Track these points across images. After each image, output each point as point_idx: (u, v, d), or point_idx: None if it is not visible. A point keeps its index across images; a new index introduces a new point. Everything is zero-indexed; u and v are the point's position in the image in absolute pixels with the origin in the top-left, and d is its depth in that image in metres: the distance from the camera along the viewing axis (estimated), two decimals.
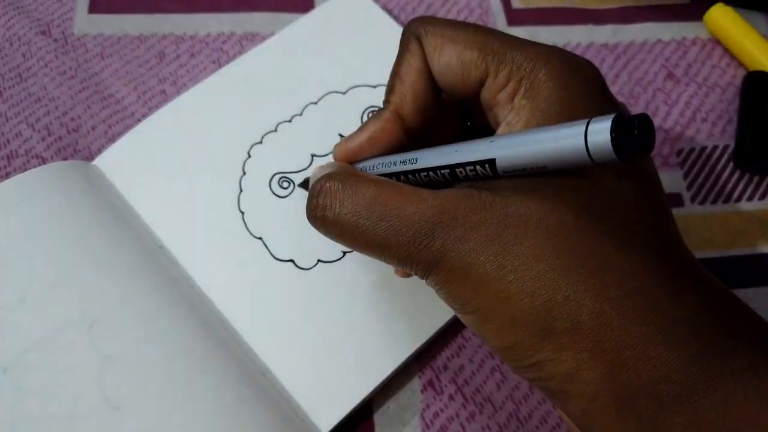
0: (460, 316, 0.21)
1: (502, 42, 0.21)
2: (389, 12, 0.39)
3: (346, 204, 0.21)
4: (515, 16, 0.40)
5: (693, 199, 0.35)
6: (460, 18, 0.40)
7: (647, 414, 0.17)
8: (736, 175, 0.35)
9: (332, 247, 0.31)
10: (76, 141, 0.36)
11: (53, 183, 0.32)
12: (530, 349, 0.19)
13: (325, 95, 0.35)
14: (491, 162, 0.19)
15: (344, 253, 0.31)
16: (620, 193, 0.19)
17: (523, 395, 0.30)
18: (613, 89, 0.38)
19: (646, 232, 0.19)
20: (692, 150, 0.36)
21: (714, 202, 0.35)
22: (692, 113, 0.37)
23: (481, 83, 0.22)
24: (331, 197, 0.22)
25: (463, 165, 0.20)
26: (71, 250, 0.30)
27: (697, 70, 0.38)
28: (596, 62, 0.39)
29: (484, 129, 0.23)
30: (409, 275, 0.26)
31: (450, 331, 0.31)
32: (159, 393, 0.27)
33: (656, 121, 0.37)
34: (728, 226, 0.34)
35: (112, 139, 0.35)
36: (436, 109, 0.24)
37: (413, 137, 0.24)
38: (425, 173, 0.21)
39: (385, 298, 0.30)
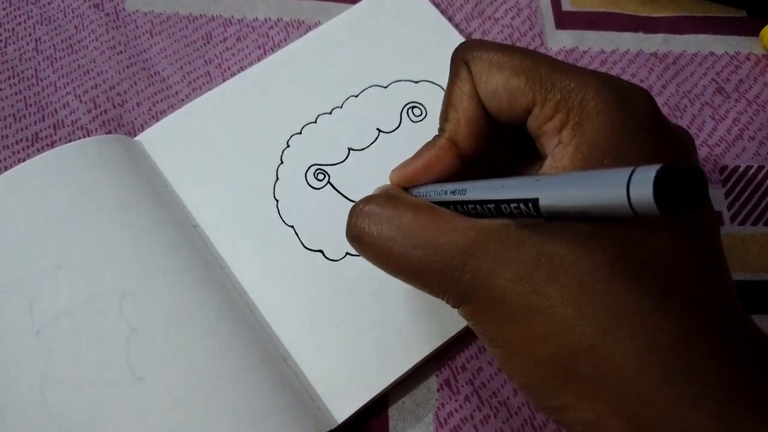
0: (488, 348, 0.21)
1: (550, 69, 0.21)
2: (437, 6, 0.39)
3: (383, 228, 0.21)
4: (564, 18, 0.39)
5: (733, 219, 0.34)
6: (508, 17, 0.39)
7: None
8: None
9: None
10: (121, 116, 0.36)
11: (96, 155, 0.32)
12: (553, 392, 0.18)
13: (366, 88, 0.35)
14: (534, 201, 0.18)
15: None
16: (665, 248, 0.18)
17: None
18: (660, 100, 0.37)
19: (689, 291, 0.18)
20: (736, 168, 0.35)
21: (755, 223, 0.34)
22: (739, 131, 0.36)
23: (528, 112, 0.22)
24: (369, 220, 0.22)
25: (508, 201, 0.19)
26: (109, 223, 0.31)
27: (748, 87, 0.37)
28: (644, 71, 0.38)
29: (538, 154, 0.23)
30: None
31: (471, 333, 0.31)
32: (182, 368, 0.28)
33: (701, 136, 0.36)
34: (767, 249, 0.33)
35: (155, 117, 0.36)
36: (491, 131, 0.24)
37: (469, 161, 0.24)
38: (472, 205, 0.21)
39: (410, 295, 0.31)
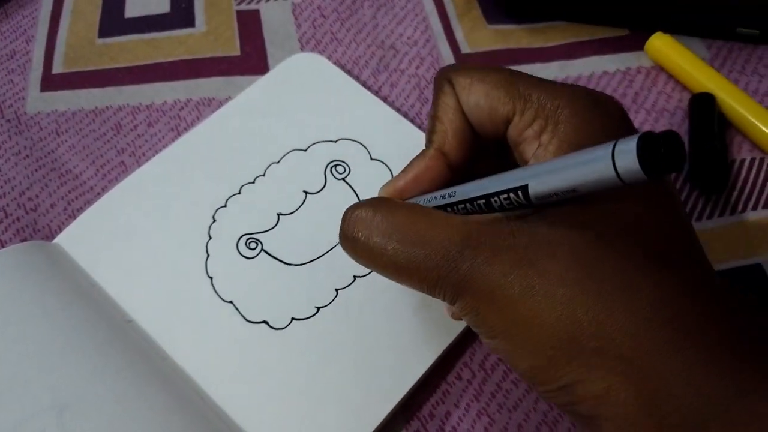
0: (486, 341, 0.21)
1: (528, 83, 0.22)
2: (342, 67, 0.40)
3: (377, 228, 0.22)
4: (465, 61, 0.41)
5: None
6: (412, 67, 0.41)
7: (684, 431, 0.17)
8: (693, 196, 0.36)
9: (305, 304, 0.31)
10: (35, 221, 0.35)
11: (12, 266, 0.31)
12: (560, 370, 0.18)
13: (286, 154, 0.35)
14: (524, 189, 0.19)
15: (318, 308, 0.31)
16: (646, 216, 0.20)
17: None
18: None
19: (674, 255, 0.20)
20: None
21: None
22: None
23: (508, 122, 0.23)
24: (362, 221, 0.22)
25: (497, 194, 0.20)
26: (36, 334, 0.29)
27: (644, 98, 0.40)
28: None
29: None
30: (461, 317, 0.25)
31: (433, 378, 0.31)
32: None
33: None
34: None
35: (73, 216, 0.35)
36: (475, 144, 0.24)
37: (457, 174, 0.25)
38: (462, 205, 0.22)
39: (364, 350, 0.30)
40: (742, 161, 0.37)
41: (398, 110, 0.38)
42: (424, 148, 0.25)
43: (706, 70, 0.39)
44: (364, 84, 0.39)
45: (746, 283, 0.33)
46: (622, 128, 0.22)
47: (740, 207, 0.35)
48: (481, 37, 0.42)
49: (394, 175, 0.25)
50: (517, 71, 0.23)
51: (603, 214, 0.19)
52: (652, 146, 0.15)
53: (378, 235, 0.22)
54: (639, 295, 0.18)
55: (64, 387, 0.28)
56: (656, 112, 0.39)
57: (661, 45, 0.40)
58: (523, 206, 0.20)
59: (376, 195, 0.25)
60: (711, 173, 0.35)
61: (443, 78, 0.24)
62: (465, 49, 0.42)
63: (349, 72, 0.40)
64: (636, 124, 0.39)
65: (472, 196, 0.21)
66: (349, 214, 0.23)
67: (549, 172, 0.18)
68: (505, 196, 0.20)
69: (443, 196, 0.23)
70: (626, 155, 0.16)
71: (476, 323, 0.21)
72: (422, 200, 0.24)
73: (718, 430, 0.17)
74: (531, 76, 0.23)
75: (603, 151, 0.16)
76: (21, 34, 0.42)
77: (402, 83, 0.40)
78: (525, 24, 0.43)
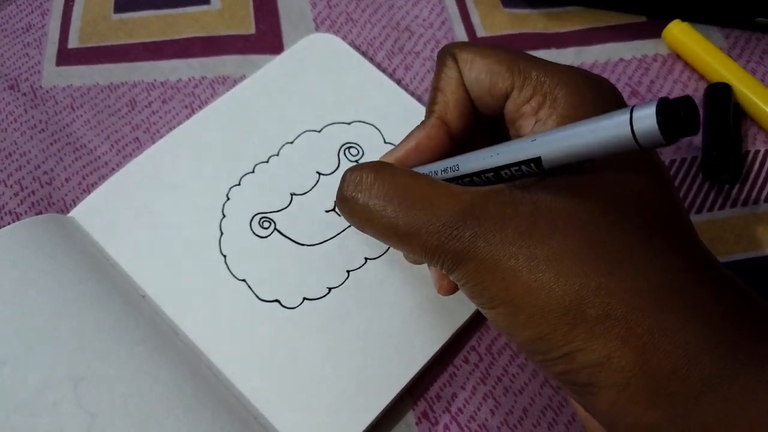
0: (485, 311, 0.21)
1: (528, 61, 0.23)
2: (357, 48, 0.40)
3: (378, 189, 0.22)
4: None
5: None
6: (427, 49, 0.41)
7: (678, 400, 0.18)
8: (706, 186, 0.36)
9: (317, 284, 0.31)
10: (50, 194, 0.35)
11: (28, 239, 0.31)
12: (562, 339, 0.19)
13: (300, 134, 0.36)
14: (536, 160, 0.19)
15: (329, 289, 0.31)
16: (641, 191, 0.20)
17: (518, 420, 0.30)
18: None
19: (669, 229, 0.20)
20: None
21: (689, 212, 0.35)
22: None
23: (506, 97, 0.23)
24: (362, 182, 0.22)
25: (509, 166, 0.20)
26: (51, 307, 0.29)
27: (660, 86, 0.39)
28: None
29: None
30: (452, 291, 0.25)
31: (440, 360, 0.31)
32: None
33: None
34: (703, 236, 0.34)
35: (87, 191, 0.35)
36: (476, 116, 0.25)
37: (456, 144, 0.25)
38: (468, 178, 0.22)
39: (374, 332, 0.30)
40: (757, 152, 0.37)
41: (412, 93, 0.38)
42: (424, 118, 0.25)
43: (724, 59, 0.39)
44: (378, 66, 0.39)
45: (758, 274, 0.33)
46: (618, 108, 0.22)
47: (753, 198, 0.35)
48: (497, 20, 0.42)
49: None
50: (519, 51, 0.24)
51: (605, 186, 0.20)
52: (670, 110, 0.16)
53: (378, 197, 0.22)
54: (640, 264, 0.19)
55: (79, 359, 0.28)
56: None
57: (679, 33, 0.40)
58: (533, 175, 0.20)
59: None
60: (725, 164, 0.35)
61: (447, 52, 0.25)
62: (480, 32, 0.41)
63: (363, 53, 0.40)
64: None
65: (479, 169, 0.21)
66: (348, 175, 0.23)
67: (563, 138, 0.19)
68: (517, 168, 0.20)
69: (445, 170, 0.23)
70: (645, 119, 0.16)
71: (476, 292, 0.20)
72: (424, 171, 0.24)
73: (715, 400, 0.17)
74: (532, 55, 0.23)
75: (620, 116, 0.17)
76: (37, 8, 0.42)
77: (417, 66, 0.40)
78: (542, 8, 0.42)
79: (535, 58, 0.23)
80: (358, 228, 0.23)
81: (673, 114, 0.16)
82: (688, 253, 0.20)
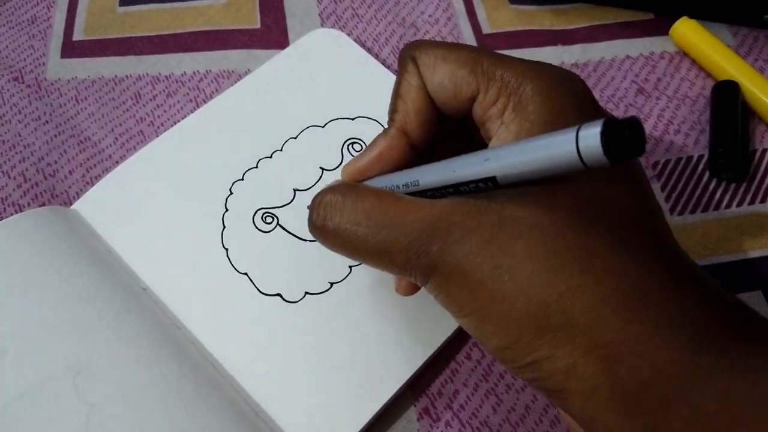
0: (458, 320, 0.21)
1: (492, 60, 0.22)
2: (362, 44, 0.40)
3: (346, 214, 0.22)
4: (486, 41, 0.41)
5: (672, 210, 0.35)
6: None
7: (649, 409, 0.18)
8: (713, 184, 0.36)
9: (319, 279, 0.31)
10: (53, 186, 0.35)
11: (30, 230, 0.31)
12: (527, 347, 0.19)
13: (304, 129, 0.35)
14: (492, 179, 0.19)
15: (331, 284, 0.31)
16: (612, 197, 0.20)
17: (520, 417, 0.30)
18: None
19: (639, 233, 0.20)
20: (668, 162, 0.37)
21: (693, 212, 0.35)
22: (665, 126, 0.38)
23: (473, 100, 0.23)
24: (331, 208, 0.22)
25: (466, 183, 0.20)
26: (52, 299, 0.29)
27: (666, 84, 0.39)
28: None
29: (481, 145, 0.24)
30: (410, 291, 0.26)
31: (442, 356, 0.31)
32: None
33: None
34: (709, 235, 0.34)
35: (90, 183, 0.35)
36: (437, 124, 0.25)
37: (418, 153, 0.25)
38: (431, 193, 0.22)
39: (375, 327, 0.30)
40: (765, 151, 0.37)
41: None
42: (386, 126, 0.25)
43: (731, 57, 0.38)
44: (383, 62, 0.39)
45: (765, 274, 0.33)
46: (586, 106, 0.21)
47: (760, 197, 0.35)
48: (504, 17, 0.42)
49: None
50: (482, 48, 0.24)
51: (569, 193, 0.20)
52: (614, 132, 0.16)
53: (347, 221, 0.22)
54: (607, 270, 0.18)
55: (80, 351, 0.28)
56: (678, 99, 0.39)
57: (686, 30, 0.39)
58: (492, 189, 0.20)
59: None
60: (732, 162, 0.35)
61: (407, 56, 0.24)
62: (486, 29, 0.41)
63: (369, 49, 0.39)
64: (657, 111, 0.38)
65: (438, 185, 0.21)
66: (317, 201, 0.23)
67: (514, 156, 0.19)
68: (474, 185, 0.20)
69: (406, 185, 0.23)
70: (589, 140, 0.16)
71: (447, 303, 0.21)
72: (383, 186, 0.24)
73: (688, 408, 0.17)
74: (495, 52, 0.23)
75: (567, 136, 0.17)
76: (42, 0, 0.42)
77: None
78: (548, 5, 0.42)
79: (500, 56, 0.23)
80: (333, 251, 0.23)
81: (618, 135, 0.16)
82: (659, 256, 0.19)
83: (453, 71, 0.23)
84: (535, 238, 0.19)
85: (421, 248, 0.20)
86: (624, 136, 0.16)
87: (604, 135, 0.16)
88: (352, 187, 0.23)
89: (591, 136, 0.16)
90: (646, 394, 0.17)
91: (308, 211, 0.23)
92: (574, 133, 0.16)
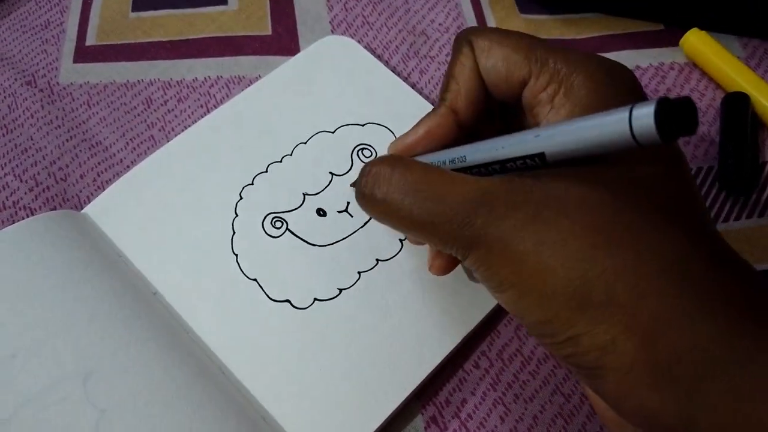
0: (496, 295, 0.21)
1: (545, 48, 0.23)
2: (373, 52, 0.40)
3: (394, 184, 0.22)
4: None
5: None
6: (443, 54, 0.41)
7: (683, 385, 0.18)
8: (722, 196, 0.36)
9: (328, 285, 0.31)
10: (65, 190, 0.35)
11: (42, 234, 0.31)
12: (567, 323, 0.19)
13: (314, 135, 0.36)
14: (540, 155, 0.20)
15: (340, 290, 0.31)
16: (653, 178, 0.20)
17: (527, 427, 0.30)
18: None
19: (679, 214, 0.20)
20: None
21: None
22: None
23: (524, 84, 0.23)
24: (380, 178, 0.23)
25: (514, 160, 0.21)
26: (62, 302, 0.29)
27: (677, 95, 0.39)
28: None
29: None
30: (445, 270, 0.26)
31: (450, 365, 0.31)
32: None
33: None
34: None
35: (102, 187, 0.35)
36: (486, 106, 0.25)
37: (466, 132, 0.25)
38: (476, 169, 0.22)
39: (384, 334, 0.30)
40: None
41: (427, 97, 0.38)
42: (436, 105, 0.26)
43: (741, 68, 0.38)
44: (393, 69, 0.39)
45: None
46: (634, 95, 0.22)
47: None
48: (513, 26, 0.42)
49: None
50: (536, 37, 0.24)
51: (612, 174, 0.20)
52: (667, 110, 0.16)
53: (395, 191, 0.22)
54: (649, 248, 0.19)
55: (89, 355, 0.28)
56: None
57: (697, 41, 0.39)
58: (539, 167, 0.20)
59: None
60: (741, 174, 0.35)
61: (464, 39, 0.25)
62: None
63: (379, 57, 0.40)
64: None
65: (486, 161, 0.22)
66: (366, 170, 0.24)
67: (565, 134, 0.19)
68: (522, 161, 0.20)
69: (453, 161, 0.23)
70: (643, 118, 0.16)
71: (488, 276, 0.21)
72: (430, 162, 0.24)
73: (721, 383, 0.17)
74: (549, 42, 0.24)
75: (620, 114, 0.17)
76: (56, 5, 0.42)
77: (432, 70, 0.40)
78: (558, 14, 0.42)
79: (553, 45, 0.23)
80: (377, 220, 0.24)
81: (672, 114, 0.16)
82: (700, 238, 0.20)
83: (508, 55, 0.23)
84: (581, 215, 0.19)
85: (465, 220, 0.20)
86: (677, 115, 0.16)
87: (658, 113, 0.16)
88: (400, 159, 0.23)
89: (645, 114, 0.16)
90: (683, 368, 0.18)
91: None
92: (628, 112, 0.17)
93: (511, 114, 0.26)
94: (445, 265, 0.26)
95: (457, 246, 0.21)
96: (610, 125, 0.17)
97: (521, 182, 0.20)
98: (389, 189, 0.23)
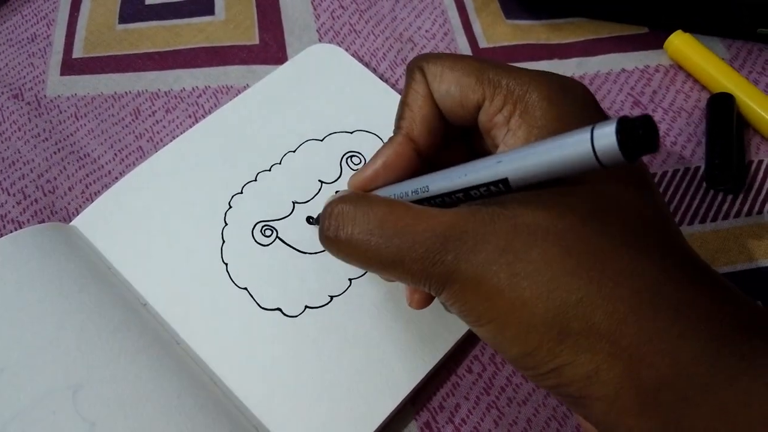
0: (475, 329, 0.21)
1: (496, 69, 0.23)
2: (360, 59, 0.40)
3: (359, 223, 0.22)
4: (483, 55, 0.41)
5: None
6: None
7: (670, 410, 0.17)
8: (709, 195, 0.36)
9: (319, 292, 0.31)
10: (53, 203, 0.35)
11: (30, 247, 0.31)
12: (548, 354, 0.19)
13: (303, 143, 0.36)
14: (504, 181, 0.19)
15: (331, 297, 0.31)
16: (622, 199, 0.20)
17: (521, 430, 0.29)
18: None
19: (652, 234, 0.20)
20: (665, 174, 0.37)
21: (690, 223, 0.35)
22: (661, 138, 0.38)
23: (479, 107, 0.23)
24: (343, 218, 0.22)
25: (477, 187, 0.20)
26: (51, 315, 0.29)
27: (662, 96, 0.40)
28: None
29: (487, 154, 0.24)
30: (423, 304, 0.26)
31: (443, 370, 0.31)
32: None
33: None
34: (707, 246, 0.34)
35: (90, 199, 0.35)
36: (444, 132, 0.25)
37: (424, 162, 0.25)
38: (440, 198, 0.22)
39: (376, 340, 0.30)
40: (760, 162, 0.37)
41: None
42: (392, 135, 0.25)
43: (726, 69, 0.39)
44: (381, 76, 0.39)
45: (761, 285, 0.33)
46: (591, 112, 0.22)
47: (757, 208, 0.35)
48: (500, 32, 0.42)
49: None
50: (488, 59, 0.24)
51: (580, 198, 0.20)
52: (629, 129, 0.16)
53: (360, 231, 0.22)
54: (623, 271, 0.18)
55: (79, 368, 0.28)
56: (674, 111, 0.39)
57: (681, 44, 0.40)
58: (504, 193, 0.20)
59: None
60: (728, 174, 0.35)
61: (415, 66, 0.25)
62: (483, 43, 0.42)
63: (366, 64, 0.40)
64: None
65: (449, 190, 0.21)
66: (328, 211, 0.23)
67: (527, 158, 0.19)
68: (485, 188, 0.20)
69: (415, 191, 0.22)
70: (605, 138, 0.16)
71: (464, 312, 0.20)
72: (392, 194, 0.24)
73: (708, 406, 0.17)
74: (501, 63, 0.23)
75: (581, 135, 0.17)
76: (42, 18, 0.42)
77: None
78: (544, 20, 0.43)
79: (505, 65, 0.23)
80: (345, 261, 0.23)
81: (634, 132, 0.16)
82: (674, 257, 0.19)
83: (459, 79, 0.23)
84: (552, 243, 0.19)
85: (435, 257, 0.20)
86: (639, 133, 0.16)
87: (620, 132, 0.16)
88: (362, 196, 0.23)
89: (606, 134, 0.16)
90: (667, 393, 0.17)
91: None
92: (589, 132, 0.17)
93: (471, 139, 0.26)
94: (424, 298, 0.25)
95: (429, 283, 0.21)
96: (571, 146, 0.17)
97: (488, 212, 0.20)
98: (353, 229, 0.22)
